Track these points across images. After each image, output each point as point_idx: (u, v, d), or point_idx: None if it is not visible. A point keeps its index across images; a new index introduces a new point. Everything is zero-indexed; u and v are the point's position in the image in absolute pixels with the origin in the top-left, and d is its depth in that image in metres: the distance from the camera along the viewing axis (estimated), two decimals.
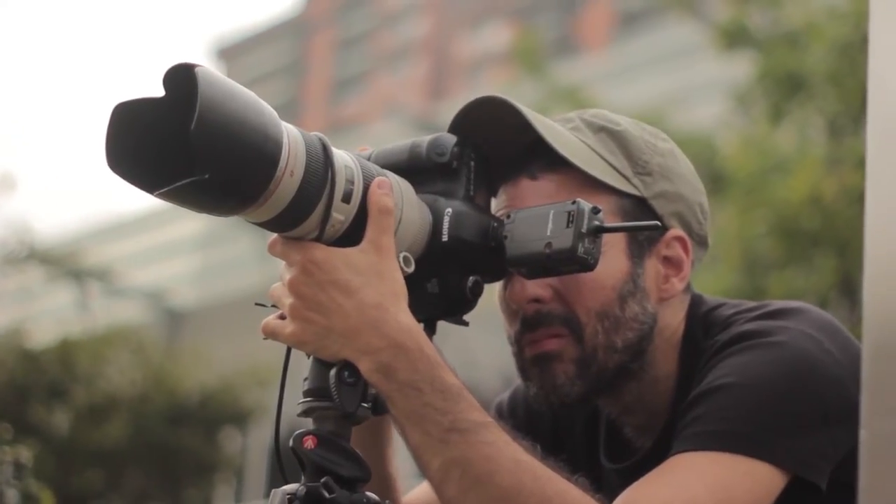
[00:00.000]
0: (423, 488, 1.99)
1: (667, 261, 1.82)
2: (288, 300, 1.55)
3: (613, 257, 1.76)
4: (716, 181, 8.25)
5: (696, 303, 1.87)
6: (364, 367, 1.53)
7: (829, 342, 1.70)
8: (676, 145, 1.88)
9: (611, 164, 1.79)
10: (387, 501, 1.59)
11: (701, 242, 1.86)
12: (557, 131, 1.77)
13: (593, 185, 1.76)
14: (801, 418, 1.64)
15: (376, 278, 1.51)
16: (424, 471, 1.57)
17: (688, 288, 1.86)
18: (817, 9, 8.38)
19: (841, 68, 7.62)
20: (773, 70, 8.09)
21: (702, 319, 1.84)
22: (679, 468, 1.63)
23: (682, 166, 1.85)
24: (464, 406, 1.54)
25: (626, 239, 1.78)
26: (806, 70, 7.97)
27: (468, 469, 1.53)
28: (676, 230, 1.82)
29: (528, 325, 1.78)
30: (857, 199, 6.89)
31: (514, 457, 1.55)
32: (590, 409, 1.98)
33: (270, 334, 1.57)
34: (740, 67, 8.73)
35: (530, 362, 1.79)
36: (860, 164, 7.08)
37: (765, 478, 1.62)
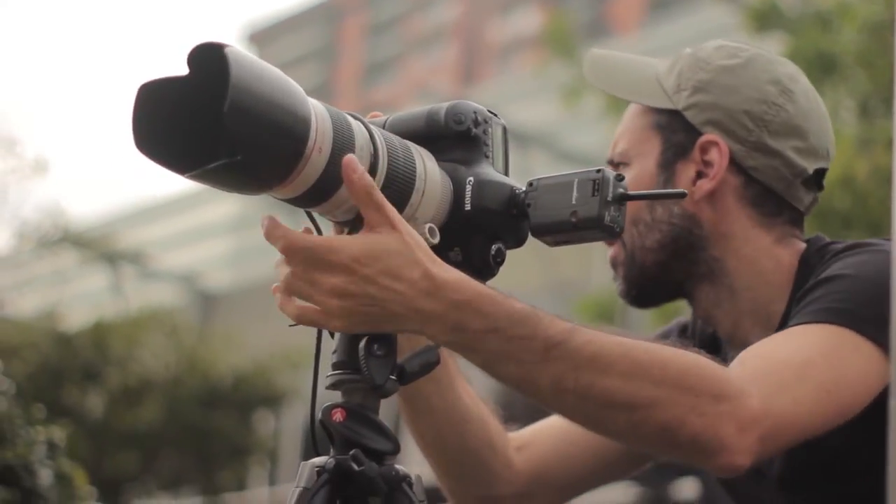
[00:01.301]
0: (538, 427, 2.13)
1: (704, 164, 1.97)
2: (331, 301, 1.50)
3: (644, 167, 1.98)
4: None
5: (818, 238, 1.99)
6: (433, 334, 1.54)
7: None
8: (754, 59, 2.02)
9: (662, 87, 2.01)
10: (417, 474, 1.60)
11: (760, 149, 1.96)
12: (619, 71, 2.08)
13: (644, 107, 2.03)
14: None
15: (410, 250, 1.52)
16: (533, 396, 1.58)
17: (754, 200, 1.97)
18: None
19: (872, 49, 7.58)
20: (804, 51, 8.04)
21: (819, 249, 1.95)
22: (795, 334, 1.74)
23: (734, 79, 1.99)
24: (546, 322, 1.56)
25: (660, 148, 1.98)
26: (837, 51, 7.93)
27: (580, 373, 1.55)
28: (708, 136, 1.97)
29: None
30: (889, 179, 6.86)
31: (617, 342, 1.58)
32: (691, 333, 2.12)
33: (311, 324, 1.55)
34: (772, 49, 8.69)
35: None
36: (892, 144, 7.05)
37: (876, 362, 1.70)
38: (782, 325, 1.87)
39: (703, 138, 1.96)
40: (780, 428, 1.63)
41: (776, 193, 1.98)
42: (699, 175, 1.96)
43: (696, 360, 1.60)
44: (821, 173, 2.00)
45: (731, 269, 1.96)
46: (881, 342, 1.68)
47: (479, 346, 1.54)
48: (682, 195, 1.71)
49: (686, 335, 2.13)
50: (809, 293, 1.80)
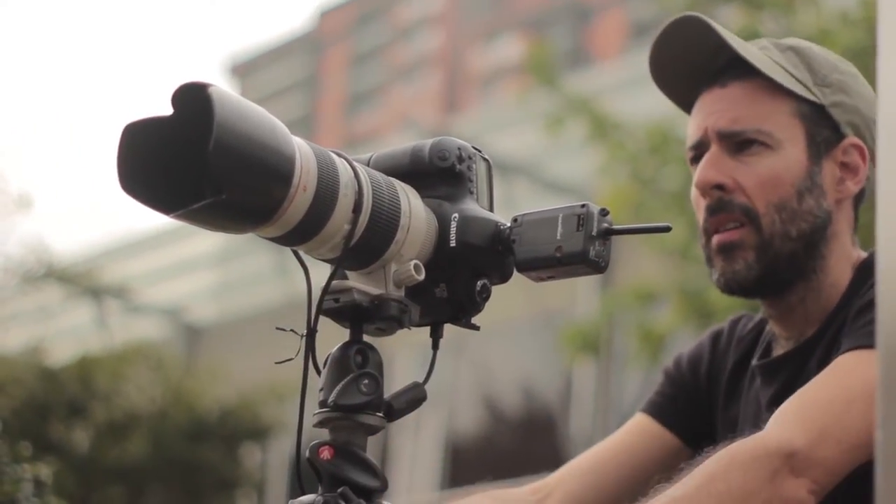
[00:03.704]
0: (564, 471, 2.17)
1: (844, 166, 2.00)
2: None
3: (794, 155, 1.97)
4: None
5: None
6: None
7: None
8: (856, 71, 2.06)
9: (793, 75, 1.99)
10: None
11: (873, 158, 2.01)
12: (746, 46, 1.99)
13: (776, 89, 1.98)
14: None
15: None
16: None
17: (856, 202, 2.04)
18: (830, 15, 8.36)
19: None
20: None
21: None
22: (839, 371, 1.79)
23: (861, 87, 2.03)
24: None
25: (805, 138, 1.98)
26: None
27: None
28: (854, 139, 2.00)
29: (711, 211, 2.00)
30: (872, 206, 6.87)
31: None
32: (757, 325, 2.15)
33: None
34: None
35: (715, 251, 1.99)
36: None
37: None
38: (829, 321, 1.96)
39: (849, 140, 2.00)
40: (829, 472, 1.72)
41: (863, 201, 2.06)
42: (842, 175, 2.00)
43: (740, 466, 1.69)
44: None
45: (828, 268, 2.00)
46: None
47: None
48: (667, 229, 1.71)
49: (719, 343, 2.18)
50: (860, 314, 1.87)
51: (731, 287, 2.00)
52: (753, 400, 2.07)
